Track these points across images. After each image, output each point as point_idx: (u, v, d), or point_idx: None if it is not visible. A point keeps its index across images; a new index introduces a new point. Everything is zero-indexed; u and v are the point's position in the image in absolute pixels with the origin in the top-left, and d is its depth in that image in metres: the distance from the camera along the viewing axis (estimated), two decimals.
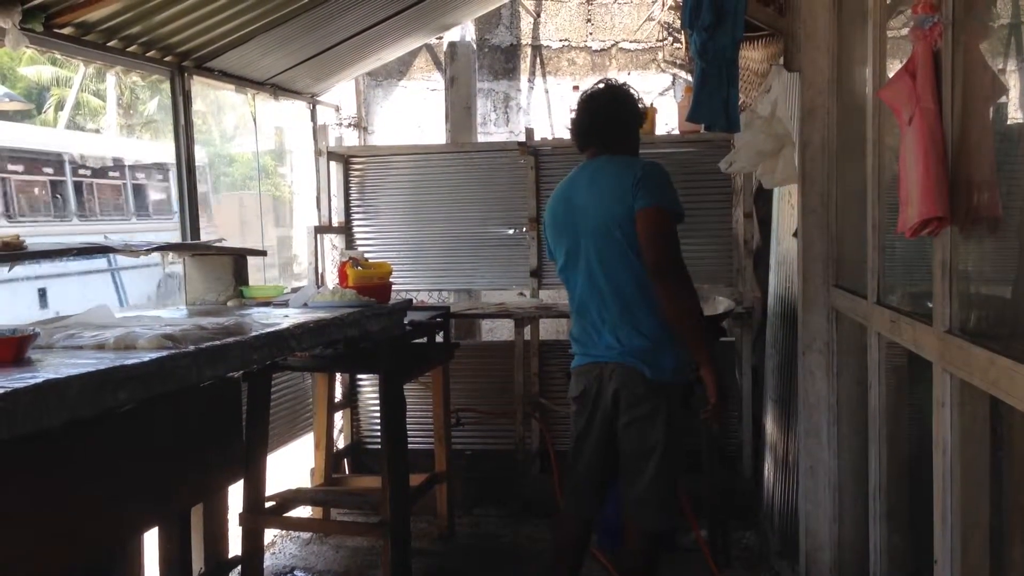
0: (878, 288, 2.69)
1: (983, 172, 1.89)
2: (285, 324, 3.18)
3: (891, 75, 2.41)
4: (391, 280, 4.12)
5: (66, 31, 3.83)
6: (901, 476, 2.72)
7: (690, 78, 4.93)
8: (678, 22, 7.94)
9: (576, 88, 6.58)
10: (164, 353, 2.50)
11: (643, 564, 3.21)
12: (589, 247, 3.16)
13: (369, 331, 3.69)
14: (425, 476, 4.50)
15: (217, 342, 2.74)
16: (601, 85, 3.37)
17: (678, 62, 8.29)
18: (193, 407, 3.06)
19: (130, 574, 3.16)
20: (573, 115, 3.40)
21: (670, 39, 8.46)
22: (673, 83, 8.43)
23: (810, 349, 3.41)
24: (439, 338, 4.74)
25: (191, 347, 2.61)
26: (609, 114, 3.29)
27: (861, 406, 2.98)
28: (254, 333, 2.96)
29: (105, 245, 3.77)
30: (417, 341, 4.49)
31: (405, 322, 4.06)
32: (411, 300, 4.51)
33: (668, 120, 7.74)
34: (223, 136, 22.71)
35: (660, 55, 8.53)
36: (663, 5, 8.35)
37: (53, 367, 2.31)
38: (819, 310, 3.37)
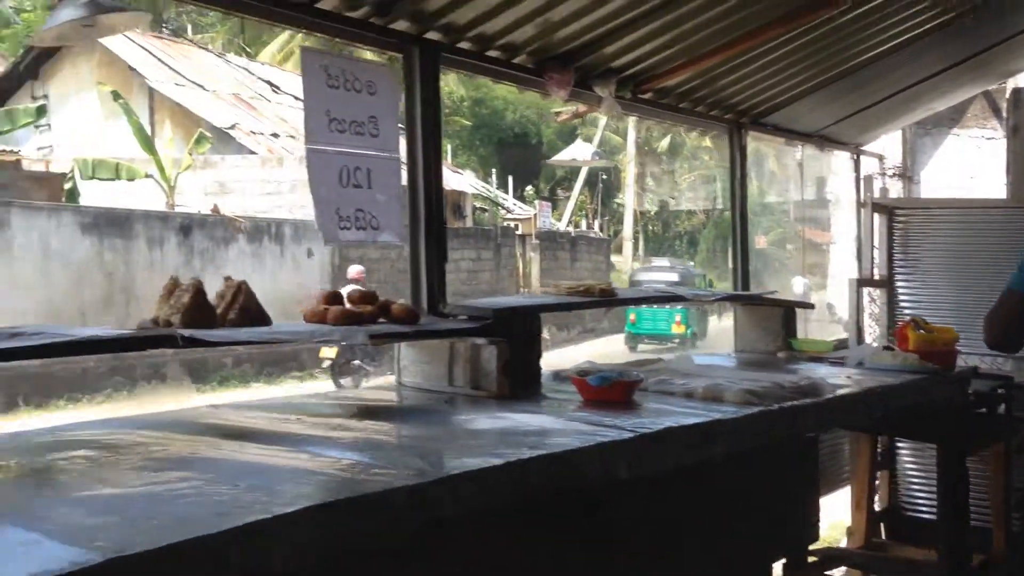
0: None
1: None
2: (854, 388, 3.17)
3: None
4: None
5: (647, 96, 4.21)
6: None
7: None
8: None
9: None
10: (754, 410, 2.62)
11: None
12: None
13: (932, 399, 3.54)
14: (983, 556, 4.16)
15: (796, 402, 2.80)
16: None
17: None
18: (771, 463, 3.09)
19: None
20: None
21: None
22: None
23: None
24: (1000, 410, 4.36)
25: (775, 405, 2.70)
26: None
27: None
28: (827, 396, 2.98)
29: (677, 295, 4.11)
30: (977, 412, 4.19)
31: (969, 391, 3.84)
32: (976, 368, 4.19)
33: None
34: (760, 186, 23.62)
35: None
36: None
37: (655, 413, 2.53)
38: None
